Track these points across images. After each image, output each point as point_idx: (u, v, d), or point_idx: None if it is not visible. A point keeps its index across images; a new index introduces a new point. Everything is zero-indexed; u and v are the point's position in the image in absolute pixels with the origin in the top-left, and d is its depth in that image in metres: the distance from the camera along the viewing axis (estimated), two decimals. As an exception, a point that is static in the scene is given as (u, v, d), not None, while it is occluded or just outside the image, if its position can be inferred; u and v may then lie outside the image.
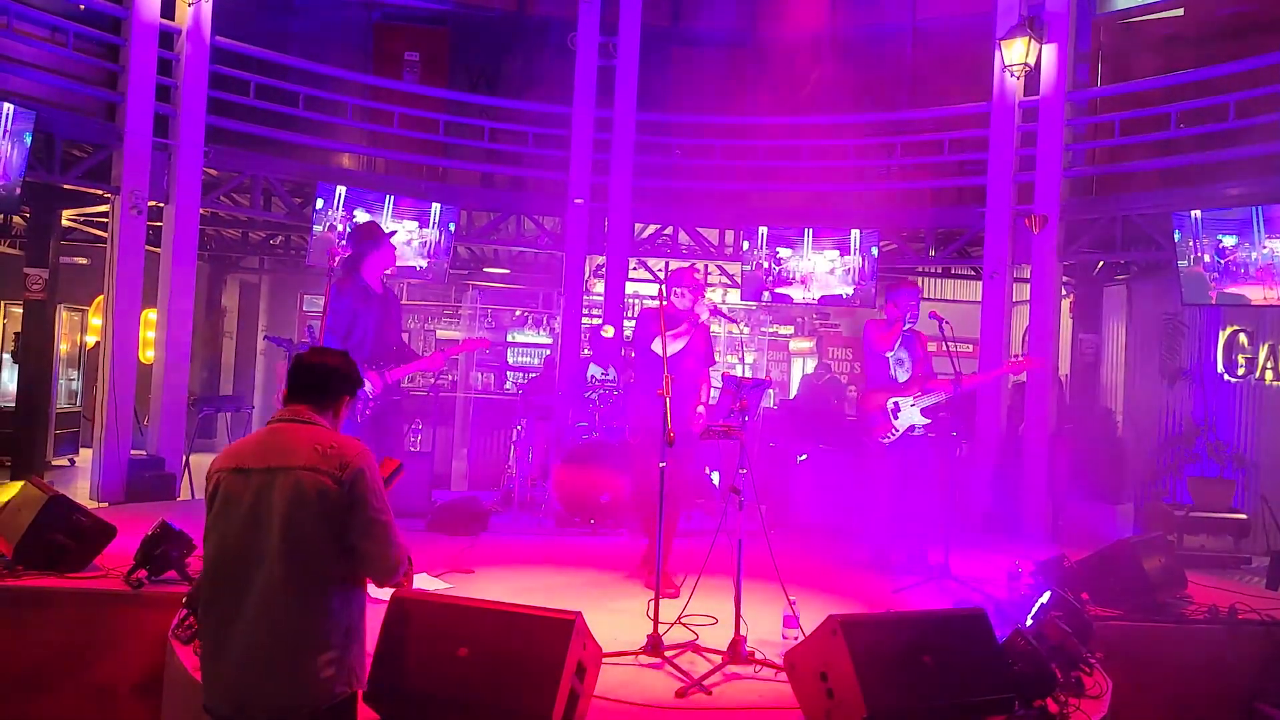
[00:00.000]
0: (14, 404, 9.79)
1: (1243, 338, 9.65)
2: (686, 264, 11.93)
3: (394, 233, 6.62)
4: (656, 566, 4.86)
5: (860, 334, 7.14)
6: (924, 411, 6.53)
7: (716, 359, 6.49)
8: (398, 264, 9.86)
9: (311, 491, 2.88)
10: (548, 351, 13.03)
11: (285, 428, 3.04)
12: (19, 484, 6.00)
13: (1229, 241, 8.39)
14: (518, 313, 14.14)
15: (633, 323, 9.24)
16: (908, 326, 6.70)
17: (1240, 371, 9.67)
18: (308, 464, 2.91)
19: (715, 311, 6.10)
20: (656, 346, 5.73)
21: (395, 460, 3.36)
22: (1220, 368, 9.78)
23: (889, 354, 6.73)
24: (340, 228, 9.58)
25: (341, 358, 3.24)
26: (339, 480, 2.90)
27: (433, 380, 9.98)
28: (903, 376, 6.71)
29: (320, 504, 2.88)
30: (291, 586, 2.87)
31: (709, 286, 6.48)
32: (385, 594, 3.65)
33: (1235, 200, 8.47)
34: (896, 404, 6.59)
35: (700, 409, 6.06)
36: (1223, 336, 9.76)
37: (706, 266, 12.96)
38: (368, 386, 6.11)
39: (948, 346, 6.51)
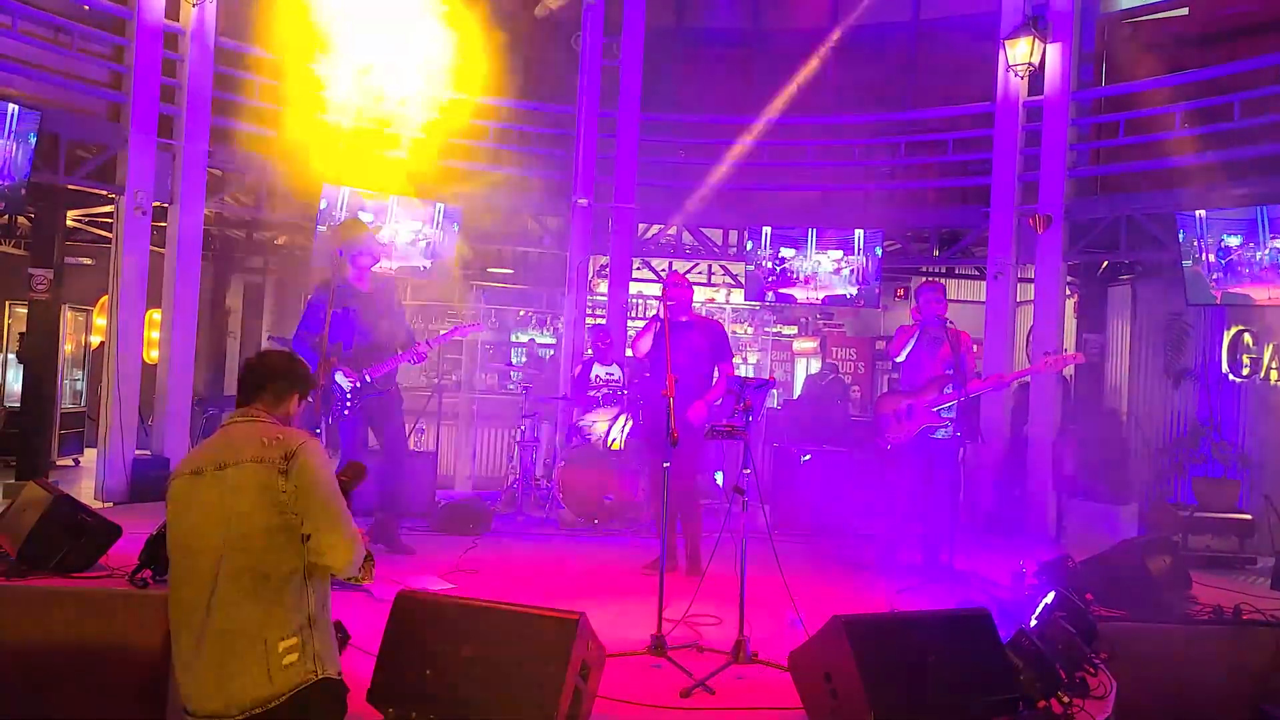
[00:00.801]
0: (19, 404, 9.81)
1: (1248, 338, 9.62)
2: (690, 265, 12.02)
3: (376, 228, 6.65)
4: (661, 565, 4.86)
5: (864, 334, 7.13)
6: (943, 414, 6.48)
7: (733, 355, 6.61)
8: (402, 264, 9.94)
9: (259, 482, 2.95)
10: (551, 351, 13.02)
11: (235, 427, 3.13)
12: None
13: (1234, 241, 8.37)
14: (521, 313, 14.13)
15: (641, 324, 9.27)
16: (939, 325, 6.63)
17: (1245, 372, 9.65)
18: (254, 457, 2.99)
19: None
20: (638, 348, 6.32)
21: (359, 464, 3.37)
22: (1225, 368, 9.76)
23: (898, 359, 6.72)
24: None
25: (287, 357, 3.34)
26: (284, 470, 2.96)
27: (436, 380, 9.98)
28: (918, 376, 6.66)
29: (268, 494, 2.95)
30: (246, 578, 2.93)
31: (688, 286, 6.66)
32: (389, 594, 3.66)
33: (1240, 200, 8.45)
34: (910, 405, 6.55)
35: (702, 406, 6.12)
36: (1227, 336, 9.74)
37: (710, 268, 12.98)
38: (344, 382, 6.16)
39: (955, 349, 6.49)
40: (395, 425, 6.73)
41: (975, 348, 10.42)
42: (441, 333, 6.97)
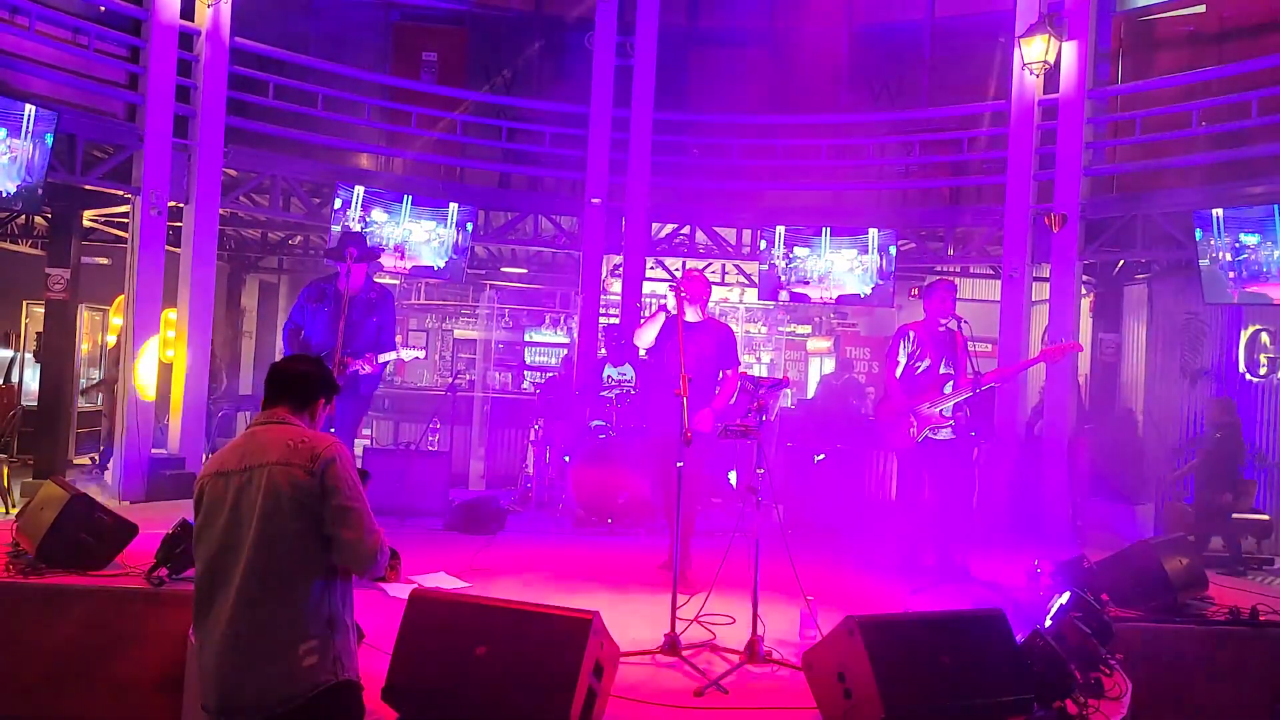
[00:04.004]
0: (36, 403, 9.87)
1: (1265, 337, 9.57)
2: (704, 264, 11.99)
3: (355, 256, 6.74)
4: (673, 565, 4.86)
5: (878, 333, 7.08)
6: (944, 414, 6.44)
7: (741, 358, 6.49)
8: (415, 263, 10.00)
9: (285, 484, 2.98)
10: (565, 351, 13.04)
11: (262, 430, 3.17)
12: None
13: (1251, 240, 8.31)
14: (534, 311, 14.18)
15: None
16: (944, 325, 6.60)
17: (1262, 371, 9.59)
18: (280, 459, 3.02)
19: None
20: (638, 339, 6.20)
21: (363, 471, 3.38)
22: (1242, 367, 9.70)
23: (909, 356, 6.65)
24: (357, 228, 9.63)
25: (312, 363, 3.39)
26: (310, 471, 3.00)
27: (450, 379, 10.02)
28: (923, 380, 6.59)
29: (294, 495, 2.98)
30: (270, 579, 2.96)
31: (707, 285, 6.45)
32: (404, 593, 3.67)
33: (1257, 199, 8.39)
34: (914, 408, 6.49)
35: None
36: (1244, 336, 9.68)
37: (724, 267, 12.97)
38: None
39: (968, 347, 6.46)
40: (347, 425, 6.86)
41: (990, 347, 10.42)
42: (394, 352, 6.99)
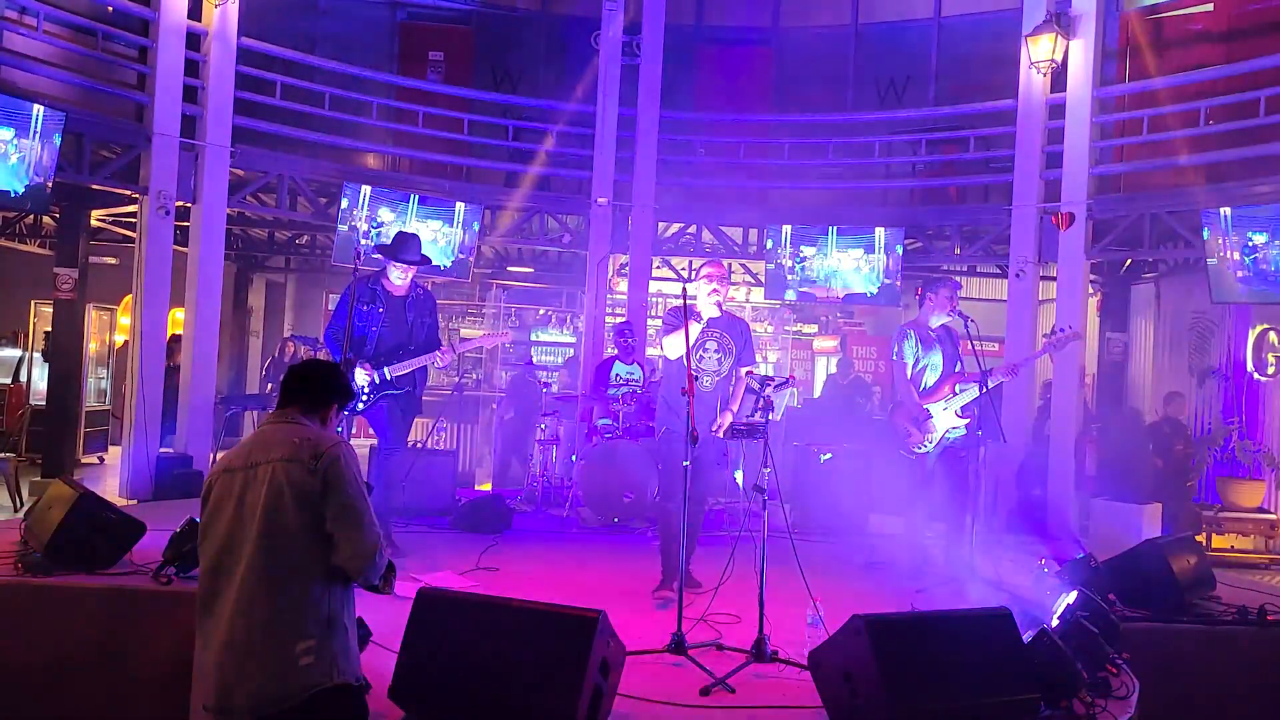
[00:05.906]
0: (45, 402, 9.91)
1: (1273, 336, 9.54)
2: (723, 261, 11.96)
3: (417, 260, 6.69)
4: (680, 565, 4.86)
5: (884, 333, 7.02)
6: (958, 413, 6.41)
7: (757, 360, 6.36)
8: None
9: (287, 480, 2.99)
10: (571, 351, 13.05)
11: (271, 428, 3.18)
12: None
13: (1259, 239, 8.29)
14: (541, 311, 14.18)
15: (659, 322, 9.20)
16: (935, 322, 6.58)
17: (1270, 370, 9.57)
18: (285, 455, 3.03)
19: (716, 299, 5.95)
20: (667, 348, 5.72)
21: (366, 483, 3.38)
22: (1250, 366, 9.68)
23: (915, 356, 6.61)
24: (364, 227, 9.65)
25: (332, 368, 3.40)
26: (313, 469, 3.00)
27: (457, 379, 10.02)
28: (931, 379, 6.56)
29: (296, 492, 2.98)
30: (270, 576, 2.96)
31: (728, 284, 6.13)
32: (411, 591, 3.68)
33: (1265, 197, 8.37)
34: (928, 411, 6.45)
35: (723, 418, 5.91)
36: (1252, 335, 9.66)
37: (730, 265, 12.97)
38: (361, 377, 6.28)
39: (973, 345, 6.42)
40: (407, 426, 6.83)
41: (996, 346, 10.40)
42: (472, 338, 6.97)
